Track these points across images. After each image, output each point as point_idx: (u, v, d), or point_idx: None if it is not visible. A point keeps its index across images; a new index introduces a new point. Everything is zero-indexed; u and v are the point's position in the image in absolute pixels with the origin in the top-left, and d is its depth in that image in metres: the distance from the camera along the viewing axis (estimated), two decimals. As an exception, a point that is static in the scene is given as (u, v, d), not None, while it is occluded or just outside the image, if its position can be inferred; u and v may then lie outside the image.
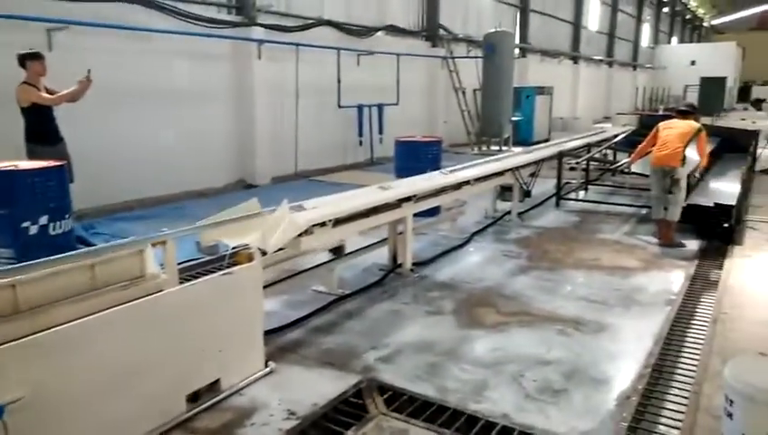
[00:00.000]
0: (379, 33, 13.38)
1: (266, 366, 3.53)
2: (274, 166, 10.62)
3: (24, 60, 5.91)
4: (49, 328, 2.58)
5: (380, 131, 12.94)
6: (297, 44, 10.66)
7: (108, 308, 2.83)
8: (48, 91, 6.01)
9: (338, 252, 5.19)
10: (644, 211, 7.65)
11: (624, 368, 3.63)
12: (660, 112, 18.92)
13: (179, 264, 4.51)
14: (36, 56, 6.00)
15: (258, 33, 9.96)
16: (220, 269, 3.46)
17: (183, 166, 9.06)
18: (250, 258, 3.49)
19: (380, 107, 12.90)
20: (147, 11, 8.40)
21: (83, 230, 6.20)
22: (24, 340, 2.48)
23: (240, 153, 10.12)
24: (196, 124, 9.32)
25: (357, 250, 5.41)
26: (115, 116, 8.06)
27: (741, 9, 53.72)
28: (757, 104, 11.64)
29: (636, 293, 4.93)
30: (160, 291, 3.17)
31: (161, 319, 3.02)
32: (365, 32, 12.84)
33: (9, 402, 2.34)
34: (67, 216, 4.74)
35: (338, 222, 4.45)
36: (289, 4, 11.12)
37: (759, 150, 11.76)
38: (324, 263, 4.93)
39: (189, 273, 4.69)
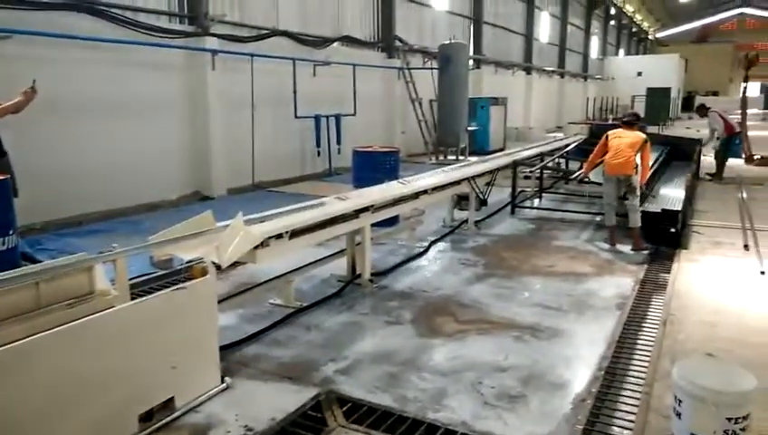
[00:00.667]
0: (335, 44, 13.41)
1: (222, 382, 3.46)
2: (231, 177, 10.47)
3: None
4: None
5: (338, 142, 12.93)
6: (252, 55, 10.57)
7: (54, 327, 2.72)
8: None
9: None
10: (597, 218, 7.86)
11: (579, 372, 3.71)
12: (610, 122, 19.55)
13: (132, 279, 4.41)
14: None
15: (212, 43, 9.83)
16: (174, 284, 3.38)
17: (136, 178, 8.82)
18: (204, 272, 3.42)
19: (338, 117, 12.90)
20: (97, 20, 8.20)
21: (29, 246, 5.96)
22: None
23: (195, 165, 9.93)
24: (149, 136, 9.10)
25: (315, 261, 5.37)
26: (63, 128, 7.79)
27: (682, 23, 56.32)
28: (701, 110, 12.12)
29: (589, 298, 5.05)
30: (110, 308, 3.07)
31: (111, 337, 2.92)
32: (321, 42, 12.85)
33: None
34: (11, 231, 4.55)
35: (295, 234, 4.41)
36: (243, 14, 11.03)
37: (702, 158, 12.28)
38: (281, 275, 4.86)
39: (142, 288, 4.60)
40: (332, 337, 4.25)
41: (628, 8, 45.44)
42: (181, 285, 3.28)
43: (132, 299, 3.27)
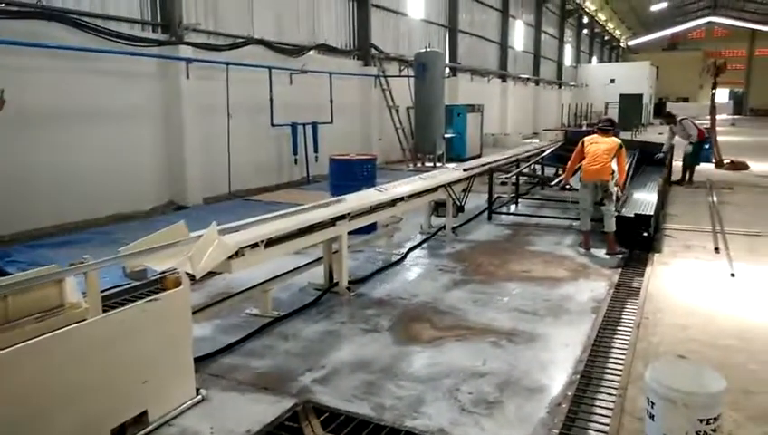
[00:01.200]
0: (311, 52, 13.41)
1: (197, 394, 3.41)
2: (207, 186, 10.36)
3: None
4: None
5: (315, 149, 12.90)
6: (227, 63, 10.52)
7: (24, 341, 2.66)
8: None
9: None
10: (573, 223, 7.96)
11: (555, 376, 3.74)
12: (584, 128, 19.86)
13: (105, 290, 4.33)
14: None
15: (186, 51, 9.75)
16: (147, 295, 3.33)
17: (109, 188, 8.69)
18: (177, 283, 3.37)
19: (315, 125, 12.89)
20: (67, 28, 8.07)
21: (-3, 259, 5.83)
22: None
23: (170, 174, 9.81)
24: (122, 145, 8.98)
25: (292, 270, 5.33)
26: (34, 137, 7.64)
27: (653, 31, 57.61)
28: (669, 118, 12.38)
29: (565, 302, 5.10)
30: (82, 321, 3.02)
31: (83, 350, 2.87)
32: (297, 51, 12.83)
33: None
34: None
35: (270, 242, 4.38)
36: (218, 22, 10.97)
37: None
38: (258, 284, 4.82)
39: (114, 300, 4.52)
40: (310, 346, 4.22)
41: (601, 17, 46.32)
42: (154, 297, 3.23)
43: (104, 311, 3.21)
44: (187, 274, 3.42)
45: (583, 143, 6.86)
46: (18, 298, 2.97)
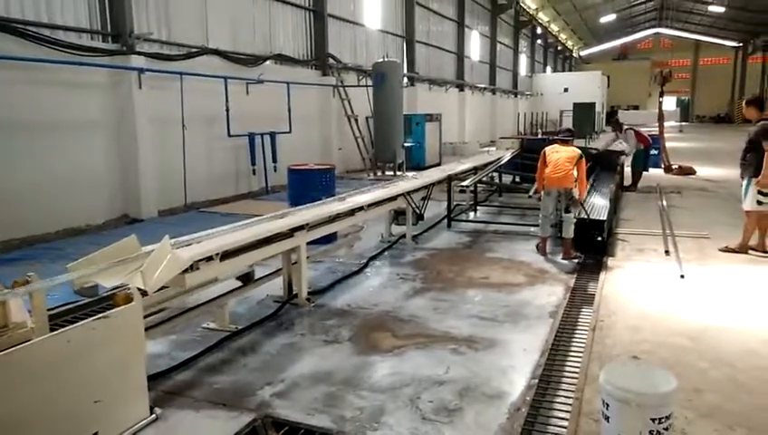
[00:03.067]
0: (268, 62, 13.31)
1: (152, 413, 3.30)
2: (162, 198, 10.12)
3: None
4: None
5: (274, 160, 12.78)
6: (181, 73, 10.33)
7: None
8: None
9: (246, 279, 5.04)
10: (530, 229, 8.10)
11: (514, 381, 3.78)
12: (539, 136, 20.30)
13: (53, 308, 4.16)
14: None
15: (138, 61, 9.53)
16: (95, 313, 3.21)
17: (57, 202, 8.39)
18: (128, 299, 3.27)
19: (273, 135, 12.77)
20: (12, 38, 7.79)
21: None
22: None
23: (123, 186, 9.54)
24: (73, 158, 8.69)
25: (250, 282, 5.24)
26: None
27: (604, 42, 59.59)
28: (617, 125, 12.84)
29: (523, 307, 5.18)
30: (27, 341, 2.89)
31: (29, 372, 2.75)
32: (253, 60, 12.73)
33: None
34: None
35: (226, 255, 4.30)
36: (171, 32, 10.77)
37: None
38: (215, 298, 4.72)
39: (63, 318, 4.34)
40: (269, 360, 4.15)
41: (554, 28, 47.65)
42: (103, 314, 3.12)
43: (52, 330, 3.08)
44: (139, 289, 3.32)
45: (545, 153, 6.99)
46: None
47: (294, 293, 5.32)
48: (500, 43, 34.00)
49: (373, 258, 6.89)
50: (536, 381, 3.71)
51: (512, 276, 6.14)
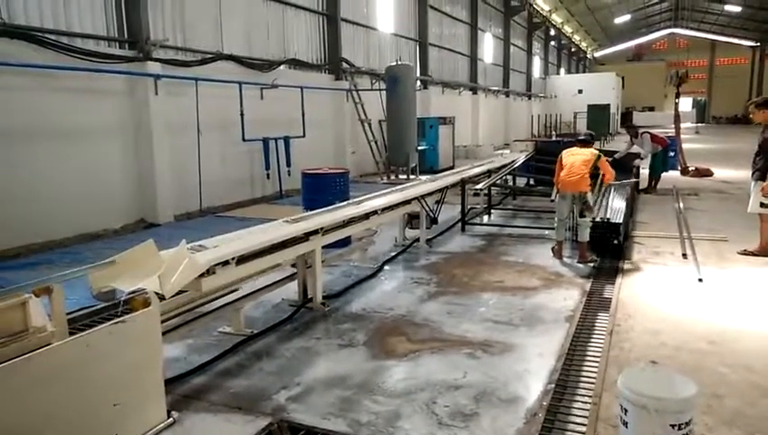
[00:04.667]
0: (282, 67, 13.39)
1: (169, 416, 3.32)
2: (178, 203, 10.22)
3: None
4: None
5: (288, 164, 12.86)
6: (197, 79, 10.43)
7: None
8: None
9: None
10: (545, 232, 8.05)
11: (530, 386, 3.75)
12: (553, 138, 20.16)
13: (71, 313, 4.21)
14: None
15: (154, 68, 9.64)
16: (113, 317, 3.24)
17: (76, 207, 8.50)
18: (146, 304, 3.30)
19: (287, 140, 12.85)
20: (32, 46, 7.92)
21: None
22: None
23: (140, 191, 9.65)
24: (91, 163, 8.81)
25: (265, 287, 5.26)
26: (-4, 157, 7.45)
27: (618, 43, 59.16)
28: (631, 129, 12.73)
29: (538, 311, 5.14)
30: (47, 345, 2.92)
31: (49, 375, 2.78)
32: (267, 66, 12.81)
33: None
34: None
35: (242, 260, 4.32)
36: (186, 38, 10.88)
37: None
38: (230, 302, 4.75)
39: (82, 322, 4.38)
40: (284, 364, 4.16)
41: (567, 29, 47.39)
42: (121, 319, 3.15)
43: (71, 334, 3.11)
44: (157, 294, 3.35)
45: (561, 155, 6.94)
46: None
47: (309, 297, 5.34)
48: (513, 45, 33.91)
49: (387, 262, 6.89)
50: (553, 385, 3.68)
51: (527, 280, 6.10)
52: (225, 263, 4.11)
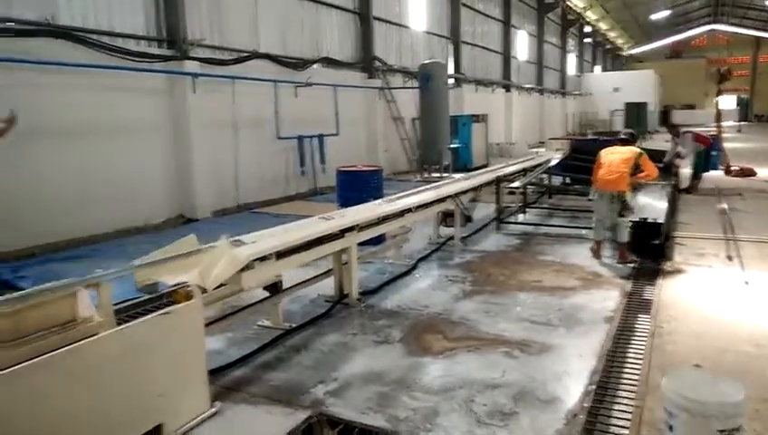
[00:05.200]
0: (316, 66, 13.48)
1: (212, 407, 3.39)
2: (215, 199, 10.41)
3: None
4: None
5: (322, 161, 12.95)
6: (233, 77, 10.59)
7: (37, 356, 2.65)
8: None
9: (274, 289, 5.02)
10: (583, 232, 7.91)
11: (570, 387, 3.70)
12: (589, 137, 19.81)
13: (117, 304, 4.32)
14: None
15: (192, 66, 9.82)
16: (158, 309, 3.32)
17: (119, 202, 8.74)
18: (189, 296, 3.37)
19: (321, 137, 12.94)
20: (75, 46, 8.16)
21: (9, 273, 5.85)
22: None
23: (179, 187, 9.86)
24: (131, 160, 9.04)
25: (302, 282, 5.31)
26: (42, 153, 7.69)
27: (655, 39, 57.69)
28: (673, 128, 12.41)
29: (577, 312, 5.06)
30: (95, 335, 3.00)
31: (97, 364, 2.87)
32: (301, 64, 12.92)
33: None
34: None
35: (280, 255, 4.37)
36: (223, 37, 11.05)
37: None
38: (269, 297, 4.80)
39: (127, 314, 4.50)
40: (322, 358, 4.20)
41: (602, 26, 46.46)
42: (166, 310, 3.23)
43: (117, 325, 3.20)
44: (199, 287, 3.42)
45: (601, 154, 6.81)
46: (30, 313, 2.96)
47: (345, 293, 5.37)
48: (547, 42, 33.44)
49: (422, 260, 6.88)
50: (593, 387, 3.62)
51: (565, 280, 6.01)
52: (265, 258, 4.17)
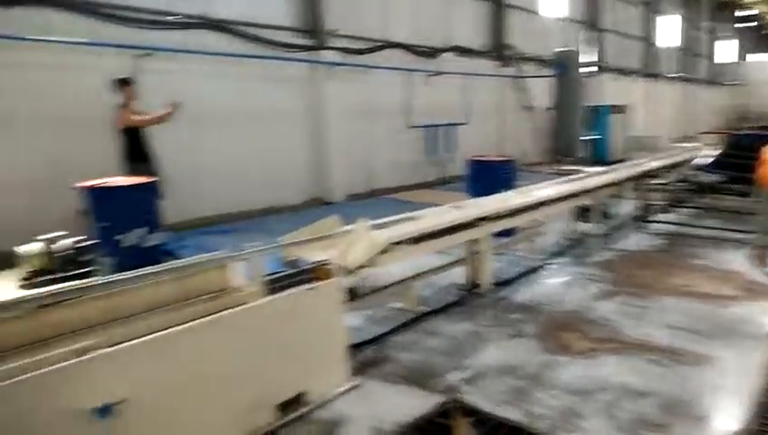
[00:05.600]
0: (447, 54, 13.39)
1: (350, 381, 3.51)
2: (348, 184, 10.80)
3: (117, 85, 6.30)
4: (142, 336, 2.66)
5: (452, 150, 12.90)
6: (367, 66, 10.83)
7: (195, 319, 2.88)
8: (138, 114, 6.37)
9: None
10: (741, 236, 7.14)
11: (728, 404, 3.36)
12: (748, 131, 17.84)
13: (264, 276, 4.59)
14: (128, 82, 6.38)
15: (330, 56, 10.19)
16: (302, 283, 3.47)
17: (261, 183, 9.37)
18: (332, 274, 3.50)
19: (451, 126, 12.87)
20: (226, 37, 8.78)
21: (171, 243, 6.46)
22: (119, 346, 2.56)
23: (315, 171, 10.35)
24: (273, 144, 9.63)
25: (435, 269, 5.32)
26: (198, 136, 8.43)
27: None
28: None
29: (735, 323, 4.58)
30: (245, 303, 3.21)
31: (247, 331, 3.06)
32: (433, 53, 12.89)
33: (114, 403, 2.42)
34: (157, 229, 4.95)
35: (416, 240, 4.40)
36: (357, 27, 11.30)
37: None
38: (403, 280, 4.87)
39: (272, 286, 4.78)
40: (455, 345, 4.18)
41: (764, 8, 41.40)
42: (313, 285, 3.37)
43: (265, 296, 3.39)
44: (341, 265, 3.54)
45: (764, 150, 6.07)
46: (192, 279, 3.24)
47: (477, 283, 5.30)
48: (695, 27, 30.52)
49: (556, 255, 6.61)
50: (757, 407, 3.25)
51: (719, 287, 5.46)
52: (402, 242, 4.22)
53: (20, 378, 2.28)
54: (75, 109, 7.02)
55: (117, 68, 6.87)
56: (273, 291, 3.63)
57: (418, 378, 3.66)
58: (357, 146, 10.94)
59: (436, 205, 5.38)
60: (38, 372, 2.33)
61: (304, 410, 3.20)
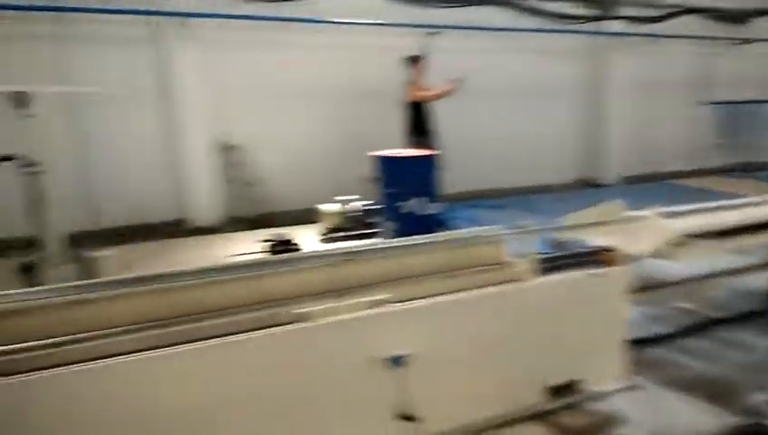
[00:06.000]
0: (762, 18, 11.21)
1: (629, 379, 3.26)
2: (624, 165, 10.02)
3: (409, 62, 6.78)
4: (424, 297, 2.80)
5: (757, 132, 10.90)
6: (656, 36, 9.73)
7: (471, 289, 2.94)
8: (424, 90, 6.77)
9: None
10: None
11: None
12: None
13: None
14: (417, 59, 6.81)
15: (614, 26, 9.42)
16: (580, 267, 3.29)
17: (529, 160, 9.29)
18: (618, 261, 3.25)
19: (758, 104, 10.85)
20: (499, 11, 8.74)
21: (444, 213, 6.79)
22: (406, 305, 2.74)
23: (588, 150, 9.87)
24: (543, 120, 9.42)
25: (732, 270, 4.59)
26: (474, 111, 8.63)
27: None
28: None
29: None
30: (519, 280, 3.18)
31: (521, 307, 3.02)
32: (742, 17, 10.92)
33: (405, 355, 2.64)
34: (434, 199, 5.25)
35: (717, 235, 3.83)
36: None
37: None
38: (690, 279, 4.32)
39: (546, 265, 4.66)
40: (760, 361, 3.58)
41: None
42: (596, 271, 3.18)
43: (539, 276, 3.30)
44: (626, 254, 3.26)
45: None
46: (465, 250, 3.28)
47: (788, 292, 4.43)
48: None
49: None
50: None
51: None
52: (696, 235, 3.71)
53: (326, 321, 2.58)
54: (372, 85, 7.80)
55: (410, 46, 7.30)
56: (546, 271, 3.56)
57: (710, 392, 3.22)
58: (638, 124, 10.02)
59: (730, 194, 4.61)
60: (340, 318, 2.61)
61: (578, 398, 3.08)
